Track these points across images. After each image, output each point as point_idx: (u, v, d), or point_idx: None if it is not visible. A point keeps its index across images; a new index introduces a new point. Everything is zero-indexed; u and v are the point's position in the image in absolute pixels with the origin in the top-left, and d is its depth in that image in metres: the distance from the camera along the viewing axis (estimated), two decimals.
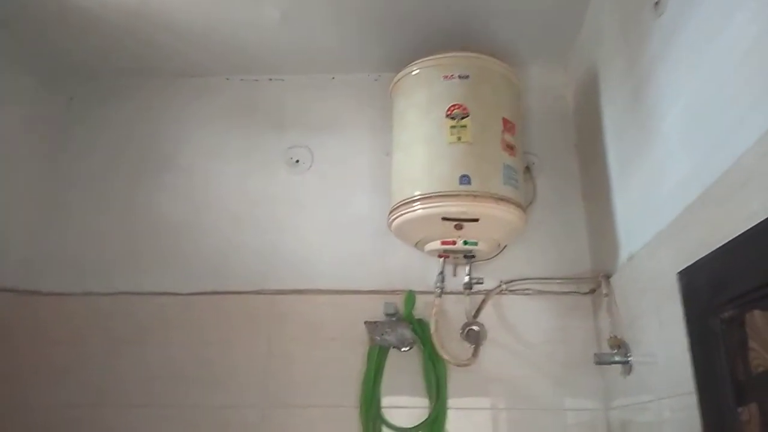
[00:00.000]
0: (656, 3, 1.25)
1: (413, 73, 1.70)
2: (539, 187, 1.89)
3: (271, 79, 2.12)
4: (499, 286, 1.77)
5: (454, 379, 1.69)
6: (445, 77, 1.63)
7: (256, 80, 2.12)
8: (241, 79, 2.12)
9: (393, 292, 1.79)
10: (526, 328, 1.75)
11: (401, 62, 1.77)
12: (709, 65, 1.02)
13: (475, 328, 1.72)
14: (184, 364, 1.78)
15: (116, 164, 2.05)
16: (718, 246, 0.88)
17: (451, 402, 1.67)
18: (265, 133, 2.05)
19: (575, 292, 1.76)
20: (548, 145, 1.94)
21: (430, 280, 1.73)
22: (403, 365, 1.72)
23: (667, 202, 1.19)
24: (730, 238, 0.84)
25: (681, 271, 0.97)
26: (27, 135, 1.96)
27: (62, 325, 1.84)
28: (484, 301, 1.76)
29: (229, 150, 2.03)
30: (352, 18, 1.82)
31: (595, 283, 1.69)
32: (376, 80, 2.06)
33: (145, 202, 1.99)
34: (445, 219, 1.55)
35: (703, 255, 0.92)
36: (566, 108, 1.98)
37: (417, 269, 1.81)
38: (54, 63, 2.04)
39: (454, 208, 1.52)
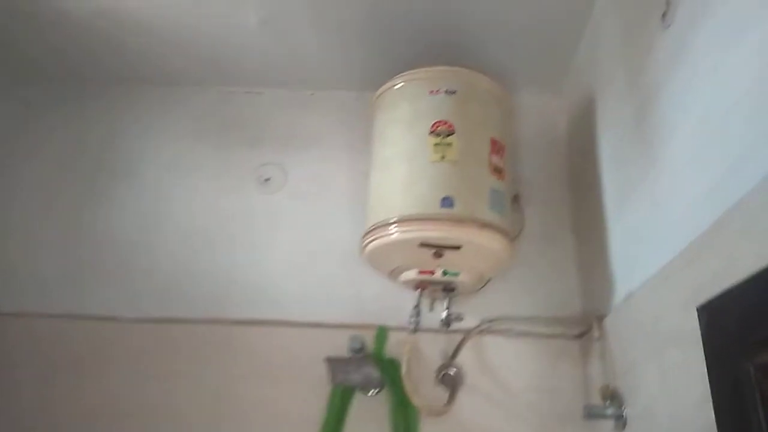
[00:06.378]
0: (663, 14, 1.15)
1: (397, 86, 1.58)
2: (528, 219, 1.75)
3: (247, 92, 1.99)
4: (480, 325, 1.61)
5: (427, 429, 1.53)
6: (431, 92, 1.51)
7: (232, 92, 1.99)
8: (216, 91, 1.99)
9: (364, 326, 1.63)
10: (509, 374, 1.60)
11: (384, 81, 1.64)
12: (726, 76, 0.90)
13: (451, 371, 1.57)
14: (122, 399, 1.60)
15: (66, 173, 1.89)
16: (743, 277, 0.73)
17: None
18: (236, 148, 1.91)
19: (563, 335, 1.62)
20: (539, 175, 1.82)
21: (407, 314, 1.56)
22: (370, 411, 1.56)
23: (674, 232, 1.05)
24: (762, 266, 0.69)
25: (701, 306, 0.81)
26: None
27: None
28: (463, 341, 1.60)
29: (193, 164, 1.89)
30: (334, 29, 1.71)
31: (586, 325, 1.54)
32: (357, 99, 1.93)
33: (94, 215, 1.83)
34: (423, 245, 1.40)
35: (725, 288, 0.77)
36: (559, 135, 1.87)
37: (392, 302, 1.65)
38: (11, 65, 1.93)
39: (434, 232, 1.38)
